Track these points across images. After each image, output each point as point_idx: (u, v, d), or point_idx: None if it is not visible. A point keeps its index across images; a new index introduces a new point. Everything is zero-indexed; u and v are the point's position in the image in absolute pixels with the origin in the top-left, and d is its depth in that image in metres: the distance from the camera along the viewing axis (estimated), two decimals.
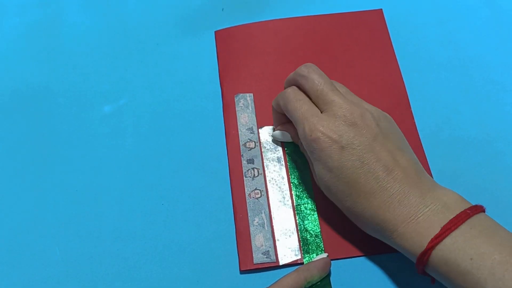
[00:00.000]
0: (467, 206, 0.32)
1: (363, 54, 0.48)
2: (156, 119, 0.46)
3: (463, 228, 0.31)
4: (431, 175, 0.42)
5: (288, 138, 0.42)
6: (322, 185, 0.36)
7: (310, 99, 0.37)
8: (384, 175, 0.33)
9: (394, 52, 0.48)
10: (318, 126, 0.35)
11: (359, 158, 0.34)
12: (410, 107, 0.45)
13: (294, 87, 0.39)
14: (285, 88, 0.41)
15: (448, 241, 0.30)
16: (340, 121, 0.35)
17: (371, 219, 0.34)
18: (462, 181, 0.42)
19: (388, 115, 0.38)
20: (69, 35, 0.51)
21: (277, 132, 0.43)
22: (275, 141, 0.44)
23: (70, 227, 0.41)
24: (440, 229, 0.31)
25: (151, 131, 0.45)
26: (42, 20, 0.52)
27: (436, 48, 0.49)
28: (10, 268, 0.39)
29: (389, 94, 0.46)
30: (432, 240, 0.31)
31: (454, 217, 0.31)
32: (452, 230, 0.30)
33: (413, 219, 0.32)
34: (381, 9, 0.51)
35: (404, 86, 0.46)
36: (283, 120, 0.42)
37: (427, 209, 0.32)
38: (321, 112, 0.36)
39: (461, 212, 0.31)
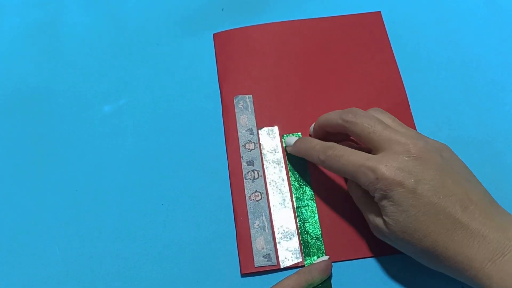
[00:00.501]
0: None
1: (362, 56, 0.48)
2: (156, 119, 0.46)
3: None
4: None
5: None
6: (395, 228, 0.33)
7: (360, 143, 0.36)
8: (461, 211, 0.31)
9: (393, 54, 0.48)
10: (381, 167, 0.32)
11: (435, 193, 0.32)
12: (410, 108, 0.45)
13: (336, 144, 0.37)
14: (314, 129, 0.40)
15: None
16: (403, 157, 0.32)
17: (453, 257, 0.31)
18: None
19: (446, 145, 0.36)
20: (69, 35, 0.51)
21: (292, 138, 0.41)
22: (275, 142, 0.44)
23: (70, 227, 0.41)
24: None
25: (151, 131, 0.45)
26: (42, 20, 0.52)
27: (436, 48, 0.49)
28: (10, 268, 0.39)
29: (388, 95, 0.46)
30: None
31: None
32: None
33: (500, 256, 0.30)
34: (380, 11, 0.51)
35: (404, 87, 0.46)
36: (323, 133, 0.40)
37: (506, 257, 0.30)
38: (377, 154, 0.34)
39: None
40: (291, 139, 0.42)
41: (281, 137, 0.44)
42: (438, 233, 0.31)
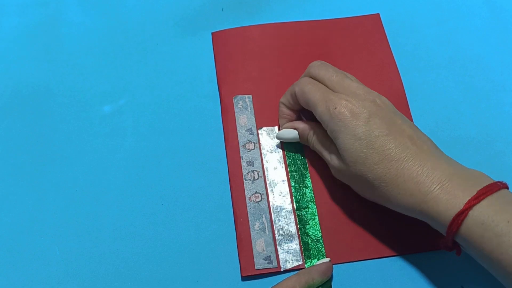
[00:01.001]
0: (492, 181, 0.33)
1: (362, 58, 0.48)
2: (155, 119, 0.46)
3: (497, 195, 0.31)
4: None
5: (294, 136, 0.42)
6: (349, 157, 0.35)
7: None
8: (411, 144, 0.35)
9: (393, 55, 0.48)
10: (342, 101, 0.36)
11: (386, 127, 0.35)
12: (409, 110, 0.45)
13: (307, 77, 0.40)
14: (286, 94, 0.42)
15: (484, 203, 0.31)
16: (360, 98, 0.36)
17: (403, 184, 0.33)
18: None
19: None
20: (69, 35, 0.51)
21: (283, 131, 0.42)
22: (275, 143, 0.44)
23: (70, 227, 0.41)
24: (476, 192, 0.31)
25: (151, 131, 0.45)
26: (42, 20, 0.52)
27: (435, 49, 0.49)
28: (10, 268, 0.39)
29: (387, 96, 0.46)
30: (469, 201, 0.31)
31: (487, 185, 0.32)
32: (488, 195, 0.31)
33: (448, 181, 0.32)
34: (378, 13, 0.51)
35: (403, 87, 0.46)
36: (291, 117, 0.42)
37: (461, 174, 0.33)
38: None
39: (492, 182, 0.32)
40: (283, 131, 0.43)
41: (276, 136, 0.44)
42: (389, 160, 0.34)
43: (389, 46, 0.49)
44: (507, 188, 0.33)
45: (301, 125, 0.41)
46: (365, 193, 0.37)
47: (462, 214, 0.31)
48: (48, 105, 0.47)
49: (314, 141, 0.40)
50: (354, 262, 0.39)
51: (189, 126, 0.45)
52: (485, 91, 0.46)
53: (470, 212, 0.31)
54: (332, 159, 0.38)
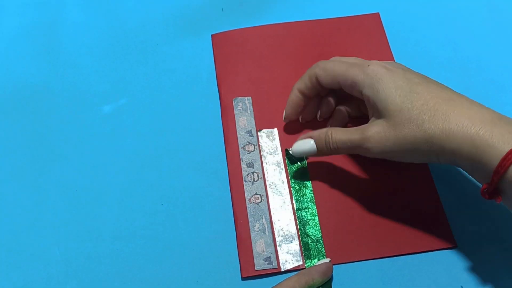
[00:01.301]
0: None
1: (361, 58, 0.48)
2: (155, 119, 0.46)
3: None
4: (430, 174, 0.42)
5: (311, 147, 0.38)
6: (393, 105, 0.34)
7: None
8: (452, 91, 0.35)
9: (392, 55, 0.48)
10: (373, 61, 0.37)
11: (422, 77, 0.36)
12: None
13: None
14: (302, 78, 0.42)
15: None
16: (388, 62, 0.37)
17: (456, 119, 0.32)
18: (462, 181, 0.42)
19: None
20: (69, 35, 0.51)
21: (297, 143, 0.39)
22: (275, 144, 0.44)
23: (70, 227, 0.41)
24: None
25: (151, 131, 0.45)
26: (42, 20, 0.52)
27: (435, 49, 0.49)
28: (10, 268, 0.39)
29: None
30: None
31: None
32: None
33: (501, 120, 0.32)
34: (378, 13, 0.51)
35: None
36: (299, 105, 0.42)
37: (504, 118, 0.32)
38: None
39: None
40: (300, 142, 0.39)
41: (281, 139, 0.44)
42: (436, 98, 0.33)
43: (388, 45, 0.49)
44: None
45: (315, 132, 0.39)
46: (412, 147, 0.34)
47: None
48: (48, 105, 0.47)
49: (336, 137, 0.37)
50: (354, 262, 0.39)
51: (189, 127, 0.45)
52: (485, 91, 0.46)
53: None
54: (369, 133, 0.35)
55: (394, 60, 0.48)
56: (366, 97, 0.36)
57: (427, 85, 0.34)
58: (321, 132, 0.38)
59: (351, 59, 0.39)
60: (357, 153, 0.38)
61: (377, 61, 0.37)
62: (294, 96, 0.41)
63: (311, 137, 0.39)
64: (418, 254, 0.39)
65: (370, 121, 0.37)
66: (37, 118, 0.46)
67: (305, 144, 0.39)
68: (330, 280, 0.37)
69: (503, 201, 0.32)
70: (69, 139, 0.45)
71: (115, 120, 0.46)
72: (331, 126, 0.42)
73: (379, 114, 0.35)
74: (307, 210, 0.41)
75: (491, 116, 0.32)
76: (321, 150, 0.38)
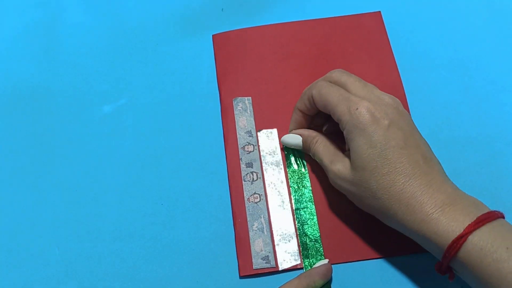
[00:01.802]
0: (490, 209, 0.33)
1: (362, 57, 0.48)
2: (155, 119, 0.46)
3: (496, 223, 0.31)
4: None
5: (297, 143, 0.41)
6: (360, 162, 0.35)
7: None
8: (423, 162, 0.34)
9: (393, 54, 0.48)
10: (364, 103, 0.35)
11: (403, 139, 0.34)
12: (409, 109, 0.45)
13: (325, 80, 0.39)
14: (301, 98, 0.41)
15: (484, 229, 0.31)
16: (384, 103, 0.36)
17: (407, 200, 0.33)
18: (462, 181, 0.41)
19: None
20: (69, 35, 0.51)
21: (287, 136, 0.42)
22: (274, 145, 0.44)
23: (70, 227, 0.41)
24: (476, 218, 0.31)
25: (150, 131, 0.45)
26: (42, 20, 0.52)
27: (435, 49, 0.49)
28: (10, 268, 0.39)
29: None
30: (470, 226, 0.31)
31: (487, 212, 0.32)
32: (487, 222, 0.31)
33: (450, 205, 0.32)
34: (379, 11, 0.51)
35: (403, 87, 0.46)
36: (302, 124, 0.42)
37: (463, 199, 0.33)
38: None
39: (491, 210, 0.32)
40: (288, 136, 0.42)
41: (280, 140, 0.44)
42: (399, 174, 0.34)
43: (389, 45, 0.48)
44: (504, 217, 0.33)
45: (306, 132, 0.41)
46: (363, 203, 0.36)
47: (462, 238, 0.31)
48: (48, 105, 0.47)
49: (316, 148, 0.40)
50: (353, 262, 0.39)
51: (189, 127, 0.45)
52: (485, 91, 0.46)
53: (470, 237, 0.31)
54: (334, 166, 0.37)
55: (395, 60, 0.48)
56: (345, 136, 0.37)
57: (400, 151, 0.34)
58: (310, 136, 0.41)
59: (351, 84, 0.38)
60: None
61: (367, 103, 0.35)
62: (297, 115, 0.42)
63: (301, 135, 0.41)
64: (418, 254, 0.39)
65: (344, 155, 0.38)
66: (37, 118, 0.46)
67: (294, 138, 0.42)
68: (329, 281, 0.37)
69: (457, 276, 0.34)
70: (69, 139, 0.45)
71: (115, 120, 0.46)
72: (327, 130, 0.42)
73: (350, 159, 0.36)
74: (305, 209, 0.41)
75: (443, 200, 0.33)
76: (305, 149, 0.42)
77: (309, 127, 0.43)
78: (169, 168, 0.43)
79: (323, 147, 0.40)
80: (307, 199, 0.41)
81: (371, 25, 0.50)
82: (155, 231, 0.40)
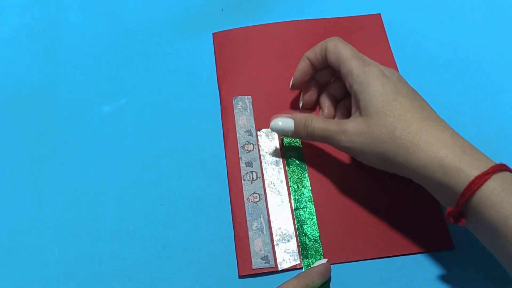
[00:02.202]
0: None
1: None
2: (155, 119, 0.46)
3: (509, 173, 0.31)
4: None
5: (290, 126, 0.40)
6: (375, 107, 0.35)
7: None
8: (433, 113, 0.35)
9: (393, 55, 0.48)
10: (375, 63, 0.38)
11: (412, 92, 0.36)
12: None
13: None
14: (313, 49, 0.42)
15: (506, 173, 0.31)
16: (389, 69, 0.38)
17: (426, 138, 0.33)
18: None
19: None
20: (69, 35, 0.51)
21: (277, 120, 0.40)
22: (274, 144, 0.44)
23: (69, 227, 0.41)
24: (498, 163, 0.31)
25: (150, 131, 0.45)
26: (42, 20, 0.52)
27: (435, 49, 0.49)
28: (10, 268, 0.39)
29: None
30: (494, 167, 0.31)
31: (501, 163, 0.32)
32: (506, 169, 0.31)
33: (470, 148, 0.33)
34: (379, 13, 0.51)
35: None
36: (307, 73, 0.42)
37: (474, 148, 0.33)
38: None
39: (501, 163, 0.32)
40: (278, 120, 0.41)
41: (280, 138, 0.44)
42: (414, 115, 0.34)
43: (389, 46, 0.48)
44: None
45: (297, 115, 0.40)
46: (376, 154, 0.35)
47: (487, 175, 0.30)
48: (48, 105, 0.47)
49: (315, 124, 0.39)
50: (352, 263, 0.39)
51: (189, 126, 0.45)
52: (485, 91, 0.46)
53: (494, 176, 0.30)
54: (346, 125, 0.37)
55: (395, 61, 0.48)
56: (354, 93, 0.37)
57: (412, 99, 0.35)
58: (302, 116, 0.39)
59: (360, 54, 0.39)
60: (329, 144, 0.39)
61: (379, 64, 0.38)
62: (304, 63, 0.42)
63: (291, 118, 0.40)
64: (418, 254, 0.39)
65: (351, 117, 0.38)
66: (37, 118, 0.46)
67: (285, 122, 0.40)
68: (328, 280, 0.37)
69: (466, 224, 0.33)
70: (69, 139, 0.45)
71: (115, 120, 0.46)
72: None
73: (360, 112, 0.36)
74: (305, 209, 0.41)
75: (463, 143, 0.33)
76: (297, 131, 0.40)
77: (309, 85, 0.44)
78: (169, 167, 0.43)
79: (322, 121, 0.39)
80: (307, 199, 0.41)
81: (371, 27, 0.50)
82: (155, 231, 0.40)
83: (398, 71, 0.40)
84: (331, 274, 0.38)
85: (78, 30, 0.51)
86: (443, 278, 0.38)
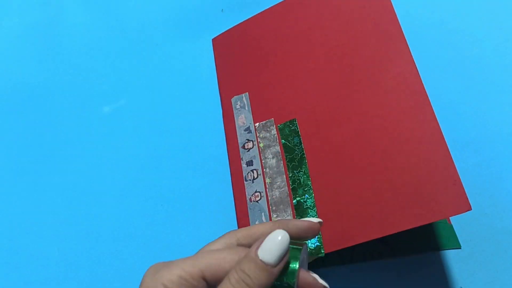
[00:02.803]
0: None
1: (369, 42, 0.43)
2: (155, 119, 0.46)
3: None
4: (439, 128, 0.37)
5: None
6: None
7: None
8: None
9: (405, 38, 0.41)
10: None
11: None
12: (427, 96, 0.40)
13: None
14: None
15: None
16: None
17: None
18: (462, 181, 0.42)
19: None
20: (69, 35, 0.51)
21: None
22: (272, 135, 0.43)
23: (69, 228, 0.41)
24: None
25: (150, 131, 0.45)
26: (42, 20, 0.52)
27: (435, 49, 0.49)
28: (10, 268, 0.39)
29: (400, 82, 0.41)
30: None
31: None
32: None
33: None
34: None
35: (417, 69, 0.40)
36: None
37: None
38: None
39: None
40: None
41: (277, 127, 0.43)
42: None
43: (400, 28, 0.42)
44: None
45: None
46: None
47: None
48: (48, 105, 0.47)
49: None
50: (353, 263, 0.39)
51: (189, 127, 0.45)
52: (485, 91, 0.46)
53: None
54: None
55: (407, 45, 0.44)
56: None
57: None
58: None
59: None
60: None
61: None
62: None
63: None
64: (418, 255, 0.39)
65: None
66: (37, 118, 0.46)
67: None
68: (305, 247, 0.27)
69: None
70: (69, 139, 0.45)
71: (115, 120, 0.46)
72: None
73: None
74: (306, 201, 0.41)
75: None
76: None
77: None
78: (169, 168, 0.43)
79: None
80: (307, 190, 0.41)
81: (378, 8, 0.45)
82: (155, 232, 0.40)
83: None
84: (332, 275, 0.38)
85: (78, 30, 0.51)
86: (444, 278, 0.38)
